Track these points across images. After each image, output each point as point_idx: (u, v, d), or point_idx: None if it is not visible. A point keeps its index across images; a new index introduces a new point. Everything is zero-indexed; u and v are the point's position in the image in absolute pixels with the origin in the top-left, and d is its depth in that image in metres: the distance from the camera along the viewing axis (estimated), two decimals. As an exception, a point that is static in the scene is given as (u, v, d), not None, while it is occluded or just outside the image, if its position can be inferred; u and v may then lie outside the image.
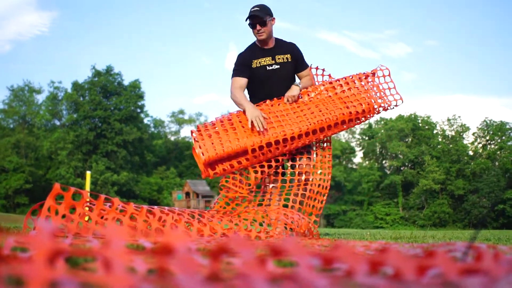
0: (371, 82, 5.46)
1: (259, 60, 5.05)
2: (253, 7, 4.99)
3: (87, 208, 3.25)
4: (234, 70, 5.06)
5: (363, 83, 5.33)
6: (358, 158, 68.70)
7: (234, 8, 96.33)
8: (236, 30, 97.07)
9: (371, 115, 5.26)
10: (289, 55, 5.09)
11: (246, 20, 4.99)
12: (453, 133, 64.52)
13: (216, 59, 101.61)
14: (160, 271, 0.88)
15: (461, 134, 63.98)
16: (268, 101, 4.99)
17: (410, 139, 64.24)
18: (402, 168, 63.06)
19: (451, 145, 62.05)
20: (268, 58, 5.03)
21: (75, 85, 57.86)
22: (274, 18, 5.05)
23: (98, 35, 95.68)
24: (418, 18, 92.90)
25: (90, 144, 56.49)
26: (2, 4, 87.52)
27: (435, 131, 65.36)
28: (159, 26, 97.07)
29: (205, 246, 2.04)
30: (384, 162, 66.65)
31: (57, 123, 60.50)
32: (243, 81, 4.96)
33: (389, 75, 5.63)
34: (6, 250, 1.35)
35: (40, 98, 63.82)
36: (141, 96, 59.47)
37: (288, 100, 4.93)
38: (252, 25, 4.95)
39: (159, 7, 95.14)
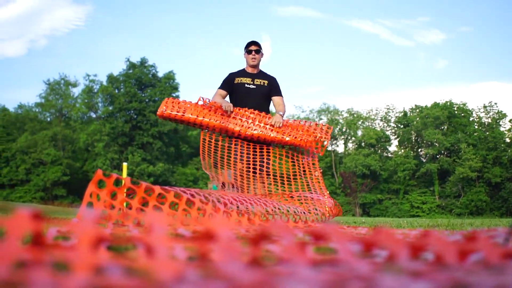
0: (311, 128, 6.99)
1: (241, 78, 6.85)
2: (253, 40, 6.91)
3: (127, 195, 3.41)
4: (220, 84, 7.03)
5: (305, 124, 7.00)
6: (393, 146, 70.99)
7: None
8: (268, 20, 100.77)
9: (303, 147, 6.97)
10: (266, 81, 6.94)
11: (246, 47, 6.92)
12: (489, 120, 67.27)
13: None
14: (202, 257, 0.98)
15: (498, 121, 66.64)
16: (244, 109, 6.70)
17: (445, 127, 67.04)
18: (438, 156, 65.87)
19: (487, 133, 65.10)
20: (249, 79, 6.86)
21: (110, 77, 62.28)
22: (263, 54, 7.05)
23: (132, 27, 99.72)
24: (452, 3, 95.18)
25: (126, 136, 60.64)
26: (37, 0, 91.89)
27: (471, 119, 68.07)
28: (192, 18, 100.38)
29: (245, 234, 2.21)
30: (419, 150, 69.33)
31: (93, 115, 64.88)
32: (223, 92, 6.92)
33: (327, 133, 7.29)
34: (50, 237, 1.64)
35: (76, 91, 68.24)
36: (175, 88, 63.69)
37: (275, 124, 6.53)
38: (250, 51, 6.83)
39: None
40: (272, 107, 7.29)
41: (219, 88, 6.96)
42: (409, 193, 64.21)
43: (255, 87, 6.84)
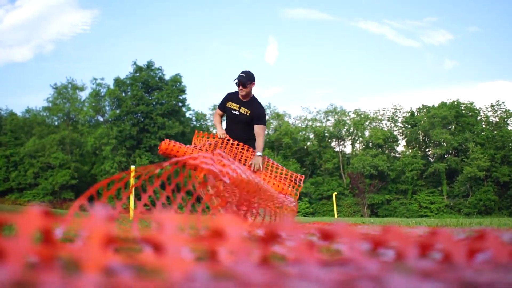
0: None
1: (231, 103, 7.50)
2: (242, 72, 7.37)
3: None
4: (219, 103, 7.80)
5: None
6: (401, 146, 70.77)
7: (273, 2, 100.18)
8: (275, 23, 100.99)
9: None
10: (249, 111, 7.37)
11: (234, 80, 7.37)
12: (497, 119, 67.27)
13: (256, 52, 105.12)
14: (212, 256, 1.00)
15: (506, 120, 66.58)
16: (235, 143, 7.35)
17: (453, 126, 66.89)
18: (446, 156, 65.86)
19: (495, 132, 65.14)
20: (237, 105, 7.44)
21: (117, 81, 62.63)
22: (254, 83, 7.37)
23: (139, 31, 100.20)
24: (459, 4, 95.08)
25: (134, 139, 60.96)
26: (43, 5, 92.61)
27: (478, 118, 67.92)
28: (198, 20, 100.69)
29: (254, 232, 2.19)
30: (427, 150, 69.21)
31: (101, 119, 65.20)
32: (220, 112, 7.76)
33: (299, 186, 7.32)
34: (59, 235, 1.65)
35: (83, 95, 68.47)
36: (182, 90, 63.98)
37: (253, 167, 6.95)
38: (237, 85, 7.32)
39: (198, 2, 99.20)
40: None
41: (218, 107, 7.84)
42: (417, 193, 64.14)
43: (239, 114, 7.43)
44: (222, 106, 7.69)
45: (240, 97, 7.47)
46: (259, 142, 7.28)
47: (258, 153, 7.13)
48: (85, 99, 65.23)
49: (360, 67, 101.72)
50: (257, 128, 7.34)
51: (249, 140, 7.43)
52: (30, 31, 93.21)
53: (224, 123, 7.94)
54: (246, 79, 7.30)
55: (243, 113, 7.41)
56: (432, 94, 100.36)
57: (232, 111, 7.47)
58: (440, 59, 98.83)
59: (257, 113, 7.44)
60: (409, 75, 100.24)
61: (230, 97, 7.64)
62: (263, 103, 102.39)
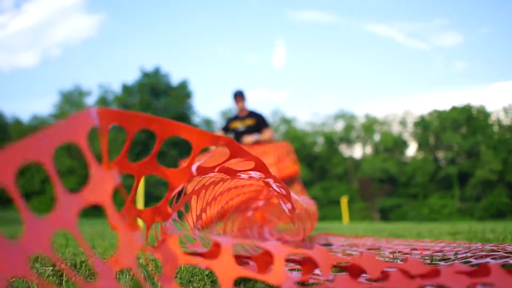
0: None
1: (234, 123, 8.25)
2: (237, 91, 8.29)
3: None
4: (221, 129, 8.41)
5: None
6: (411, 150, 70.61)
7: (281, 5, 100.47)
8: (283, 26, 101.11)
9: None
10: (253, 120, 8.14)
11: (232, 97, 8.27)
12: (509, 122, 66.42)
13: (264, 56, 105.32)
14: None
15: (518, 122, 65.91)
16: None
17: (464, 130, 66.50)
18: (457, 160, 65.58)
19: (507, 135, 64.54)
20: (240, 122, 8.20)
21: (124, 86, 62.70)
22: (245, 97, 8.30)
23: (145, 36, 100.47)
24: (469, 5, 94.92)
25: (141, 145, 60.91)
26: (50, 10, 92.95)
27: (490, 121, 67.34)
28: (205, 25, 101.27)
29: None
30: (438, 153, 68.80)
31: (107, 125, 65.03)
32: (221, 132, 8.21)
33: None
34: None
35: (90, 100, 68.32)
36: (189, 96, 63.96)
37: (245, 141, 7.84)
38: (236, 101, 8.23)
39: (205, 6, 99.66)
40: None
41: (222, 129, 8.45)
42: (428, 197, 63.81)
43: (245, 129, 8.13)
44: (226, 129, 8.37)
45: (238, 113, 8.32)
46: (266, 134, 8.07)
47: (256, 135, 7.98)
48: (92, 104, 65.17)
49: (369, 70, 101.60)
50: (265, 131, 8.09)
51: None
52: (36, 36, 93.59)
53: None
54: (241, 95, 8.26)
55: (248, 125, 8.14)
56: (442, 97, 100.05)
57: (239, 129, 8.20)
58: (450, 62, 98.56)
59: (261, 119, 8.22)
60: (419, 78, 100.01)
61: (230, 120, 8.45)
62: (271, 107, 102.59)
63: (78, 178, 58.46)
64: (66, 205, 0.63)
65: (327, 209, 63.63)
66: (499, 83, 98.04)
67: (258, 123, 8.12)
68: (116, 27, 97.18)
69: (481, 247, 1.88)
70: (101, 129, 0.97)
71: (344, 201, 28.51)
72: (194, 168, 1.26)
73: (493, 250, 1.69)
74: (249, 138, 7.91)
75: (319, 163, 68.59)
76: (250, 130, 8.07)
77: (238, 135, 8.09)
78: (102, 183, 0.73)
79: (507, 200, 59.52)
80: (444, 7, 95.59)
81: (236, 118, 8.28)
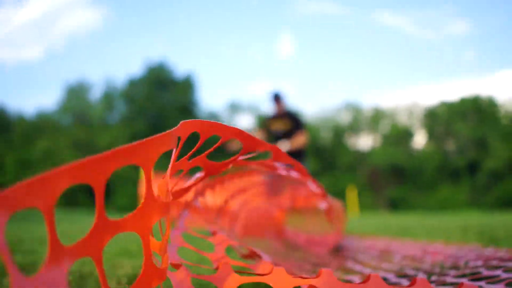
0: None
1: (271, 121, 8.65)
2: (272, 92, 8.65)
3: None
4: (259, 127, 8.87)
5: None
6: (420, 141, 70.13)
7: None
8: (289, 17, 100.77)
9: None
10: (290, 121, 8.50)
11: (269, 98, 8.62)
12: (518, 112, 66.30)
13: (270, 47, 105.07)
14: None
15: (527, 112, 65.53)
16: None
17: (473, 120, 66.07)
18: (466, 150, 65.20)
19: (516, 124, 64.14)
20: (277, 121, 8.55)
21: (129, 80, 62.68)
22: (284, 98, 8.66)
23: (150, 29, 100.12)
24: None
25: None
26: (54, 3, 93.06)
27: (499, 111, 67.31)
28: (211, 17, 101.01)
29: None
30: (447, 144, 68.63)
31: (113, 118, 65.20)
32: (261, 134, 8.57)
33: None
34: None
35: (95, 94, 68.42)
36: (195, 88, 63.99)
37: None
38: (273, 102, 8.57)
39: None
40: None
41: (260, 128, 8.89)
42: (437, 188, 63.66)
43: (282, 127, 8.44)
44: (264, 127, 8.75)
45: (277, 113, 8.60)
46: (298, 139, 8.39)
47: (287, 142, 8.26)
48: (97, 98, 65.39)
49: (376, 61, 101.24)
50: (300, 133, 8.44)
51: (297, 153, 8.27)
52: (41, 29, 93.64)
53: None
54: (277, 96, 8.55)
55: (285, 125, 8.45)
56: (451, 87, 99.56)
57: (274, 129, 8.52)
58: (459, 51, 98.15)
59: (296, 119, 8.56)
60: (427, 68, 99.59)
61: (268, 117, 8.78)
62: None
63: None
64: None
65: (336, 199, 63.71)
66: (507, 71, 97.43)
67: (294, 126, 8.38)
68: (121, 20, 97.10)
69: (493, 254, 1.88)
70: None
71: (353, 192, 28.55)
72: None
73: (504, 260, 1.69)
74: (281, 145, 8.13)
75: (326, 154, 68.55)
76: (286, 130, 8.35)
77: (276, 132, 8.38)
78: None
79: (516, 191, 59.18)
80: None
81: (274, 117, 8.52)
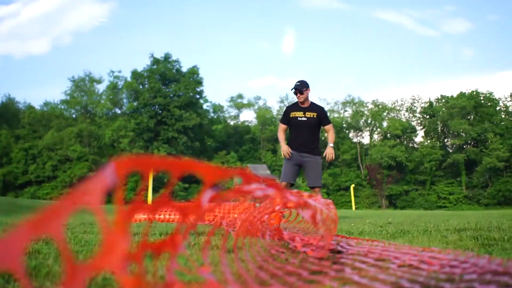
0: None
1: (295, 112, 8.05)
2: (297, 82, 8.11)
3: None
4: (281, 118, 8.38)
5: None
6: (419, 137, 70.59)
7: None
8: (293, 13, 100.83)
9: None
10: (315, 114, 8.03)
11: (291, 89, 8.10)
12: (516, 109, 66.25)
13: (274, 42, 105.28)
14: None
15: (526, 109, 65.60)
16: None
17: (472, 117, 66.38)
18: (464, 147, 65.49)
19: (515, 122, 64.14)
20: (301, 112, 8.03)
21: (135, 73, 62.84)
22: (309, 89, 8.09)
23: (156, 23, 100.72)
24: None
25: (151, 131, 61.22)
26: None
27: (498, 108, 67.52)
28: (215, 12, 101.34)
29: None
30: (446, 140, 69.05)
31: (118, 111, 65.45)
32: (283, 126, 8.23)
33: None
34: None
35: (101, 87, 68.50)
36: (199, 82, 64.13)
37: (328, 158, 8.04)
38: (295, 93, 8.02)
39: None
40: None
41: (280, 122, 8.40)
42: (436, 184, 64.00)
43: (306, 119, 8.04)
44: (286, 119, 8.20)
45: (300, 104, 8.13)
46: (331, 135, 8.28)
47: (331, 144, 8.12)
48: (103, 91, 65.70)
49: (378, 57, 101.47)
50: (328, 127, 8.21)
51: (315, 147, 8.10)
52: (48, 23, 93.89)
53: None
54: (302, 86, 8.05)
55: (310, 117, 8.04)
56: (451, 83, 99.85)
57: (298, 118, 8.04)
58: (459, 48, 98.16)
59: (323, 113, 8.20)
60: (427, 65, 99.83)
61: (291, 108, 8.26)
62: (280, 93, 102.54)
63: (90, 164, 58.70)
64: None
65: (336, 195, 63.83)
66: (507, 71, 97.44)
67: (320, 116, 8.09)
68: (127, 15, 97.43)
69: (488, 266, 1.89)
70: (118, 186, 0.97)
71: (351, 189, 28.67)
72: (205, 201, 1.28)
73: (498, 274, 1.70)
74: (330, 150, 8.10)
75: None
76: (311, 124, 8.04)
77: (299, 124, 8.05)
78: (114, 248, 0.72)
79: (514, 187, 59.36)
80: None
81: (297, 108, 8.16)
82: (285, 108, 8.56)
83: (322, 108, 8.29)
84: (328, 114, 46.77)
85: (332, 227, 2.71)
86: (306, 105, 8.11)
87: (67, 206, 0.61)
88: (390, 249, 2.51)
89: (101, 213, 0.69)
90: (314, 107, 8.20)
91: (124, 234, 0.76)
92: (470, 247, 3.13)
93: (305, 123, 8.01)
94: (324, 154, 8.10)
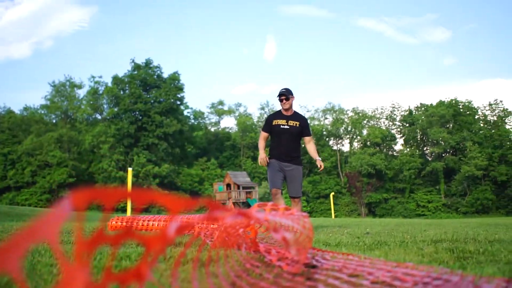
0: None
1: (277, 120, 7.91)
2: (283, 89, 8.11)
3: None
4: (263, 126, 8.18)
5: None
6: (399, 145, 71.29)
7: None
8: (274, 21, 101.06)
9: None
10: (298, 123, 7.91)
11: (277, 96, 7.93)
12: (495, 118, 67.36)
13: (255, 49, 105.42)
14: None
15: (504, 119, 66.75)
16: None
17: (451, 125, 67.00)
18: (443, 155, 66.02)
19: (493, 131, 65.19)
20: (284, 120, 7.90)
21: (115, 79, 62.53)
22: (294, 97, 8.01)
23: (137, 28, 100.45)
24: (458, 1, 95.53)
25: (131, 137, 60.92)
26: (42, 2, 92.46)
27: (476, 117, 68.05)
28: (197, 18, 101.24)
29: None
30: (425, 148, 69.40)
31: (98, 117, 65.07)
32: (264, 134, 8.05)
33: None
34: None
35: (81, 93, 68.25)
36: (180, 88, 63.94)
37: (320, 165, 7.90)
38: (281, 100, 7.86)
39: (196, 0, 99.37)
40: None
41: (262, 130, 8.23)
42: (415, 192, 64.40)
43: (289, 127, 7.91)
44: (268, 127, 8.06)
45: (283, 112, 7.99)
46: (314, 147, 8.30)
47: (319, 158, 7.96)
48: (83, 97, 65.30)
49: (358, 64, 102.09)
50: (309, 138, 8.14)
51: (296, 156, 8.02)
52: (29, 28, 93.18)
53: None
54: (288, 92, 7.99)
55: (293, 126, 7.92)
56: (430, 92, 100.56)
57: (281, 126, 7.92)
58: (439, 57, 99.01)
59: (306, 123, 8.10)
60: (408, 73, 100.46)
61: (274, 116, 8.17)
62: (261, 100, 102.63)
63: (69, 170, 58.22)
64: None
65: (316, 203, 63.93)
66: (486, 80, 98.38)
67: (302, 126, 7.99)
68: (108, 19, 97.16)
69: (460, 281, 1.90)
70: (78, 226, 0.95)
71: (330, 197, 28.78)
72: (171, 231, 1.25)
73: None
74: (321, 162, 7.97)
75: (307, 157, 68.72)
76: (293, 132, 7.92)
77: (281, 132, 7.91)
78: (73, 280, 0.71)
79: (492, 196, 60.32)
80: (433, 2, 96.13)
81: (280, 116, 8.04)
82: (267, 116, 8.63)
83: (305, 118, 8.20)
84: (309, 121, 47.02)
85: (306, 242, 2.70)
86: (289, 113, 8.00)
87: (23, 241, 0.63)
88: (365, 264, 2.50)
89: (58, 246, 0.70)
90: (297, 116, 8.11)
91: (83, 267, 0.76)
92: (445, 260, 3.11)
93: (287, 131, 7.89)
94: (318, 165, 7.96)
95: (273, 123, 7.98)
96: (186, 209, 1.19)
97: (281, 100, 7.93)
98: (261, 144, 8.12)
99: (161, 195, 1.11)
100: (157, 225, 7.62)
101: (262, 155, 7.91)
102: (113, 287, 1.32)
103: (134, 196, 1.01)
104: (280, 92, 7.99)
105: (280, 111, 8.07)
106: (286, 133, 7.87)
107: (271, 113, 8.70)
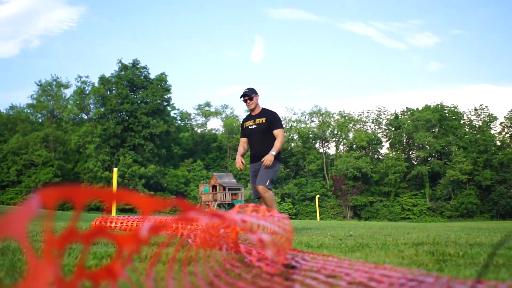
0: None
1: (246, 122, 7.89)
2: (245, 89, 7.89)
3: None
4: (240, 133, 8.15)
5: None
6: (384, 149, 71.62)
7: (259, 2, 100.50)
8: (262, 22, 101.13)
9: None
10: (264, 119, 7.69)
11: (240, 97, 7.81)
12: (480, 123, 67.79)
13: (242, 51, 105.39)
14: None
15: (489, 124, 67.28)
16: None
17: (437, 130, 67.37)
18: (429, 159, 66.33)
19: (478, 135, 65.43)
20: (251, 121, 7.82)
21: (102, 79, 62.22)
22: (258, 95, 7.82)
23: (125, 29, 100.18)
24: (444, 6, 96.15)
25: (118, 138, 60.69)
26: (31, 1, 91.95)
27: (462, 121, 68.53)
28: (184, 20, 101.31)
29: None
30: (411, 152, 69.67)
31: (85, 117, 64.72)
32: (242, 139, 8.01)
33: None
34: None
35: (68, 92, 68.05)
36: (167, 89, 63.75)
37: (264, 163, 7.42)
38: (244, 100, 7.78)
39: (184, 2, 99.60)
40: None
41: (240, 136, 8.18)
42: (400, 195, 64.58)
43: (256, 126, 7.79)
44: (243, 132, 8.07)
45: (251, 112, 7.91)
46: (277, 143, 7.65)
47: (273, 152, 7.51)
48: (70, 96, 64.86)
49: (345, 68, 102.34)
50: (276, 132, 7.71)
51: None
52: (16, 26, 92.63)
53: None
54: (251, 92, 7.86)
55: (259, 123, 7.75)
56: (417, 96, 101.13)
57: (249, 127, 7.86)
58: (425, 62, 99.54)
59: (272, 117, 7.79)
60: (394, 77, 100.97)
61: (244, 120, 8.11)
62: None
63: (55, 170, 57.94)
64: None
65: (302, 205, 63.98)
66: (471, 86, 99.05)
67: (270, 121, 7.73)
68: (96, 20, 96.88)
69: (434, 282, 1.91)
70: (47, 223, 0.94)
71: (316, 200, 28.82)
72: (144, 231, 1.24)
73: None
74: (268, 157, 7.50)
75: (294, 159, 68.79)
76: (260, 129, 7.72)
77: (251, 133, 7.82)
78: (39, 276, 0.70)
79: (476, 200, 60.58)
80: (420, 8, 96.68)
81: (249, 117, 7.99)
82: (241, 122, 8.31)
83: (273, 112, 7.93)
84: (295, 124, 46.41)
85: (285, 244, 2.70)
86: (256, 112, 7.87)
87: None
88: (344, 265, 2.51)
89: (26, 242, 0.69)
90: (264, 112, 7.91)
91: (51, 263, 0.75)
92: (425, 262, 3.13)
93: (255, 131, 7.78)
94: (262, 160, 7.56)
95: (244, 126, 8.00)
96: (158, 210, 1.18)
97: (245, 101, 7.87)
98: (239, 149, 8.00)
99: (132, 195, 1.10)
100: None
101: (237, 159, 7.86)
102: (86, 285, 1.31)
103: (104, 196, 1.01)
104: (243, 92, 7.89)
105: (249, 113, 8.03)
106: (255, 133, 7.79)
107: (244, 118, 8.57)
